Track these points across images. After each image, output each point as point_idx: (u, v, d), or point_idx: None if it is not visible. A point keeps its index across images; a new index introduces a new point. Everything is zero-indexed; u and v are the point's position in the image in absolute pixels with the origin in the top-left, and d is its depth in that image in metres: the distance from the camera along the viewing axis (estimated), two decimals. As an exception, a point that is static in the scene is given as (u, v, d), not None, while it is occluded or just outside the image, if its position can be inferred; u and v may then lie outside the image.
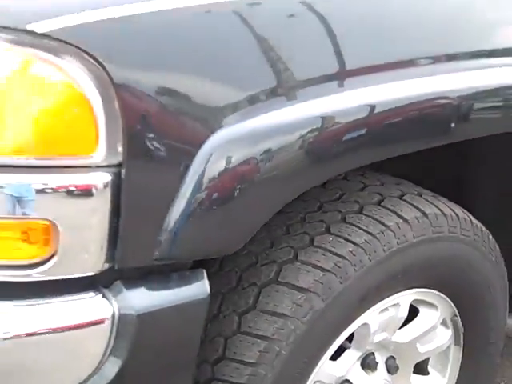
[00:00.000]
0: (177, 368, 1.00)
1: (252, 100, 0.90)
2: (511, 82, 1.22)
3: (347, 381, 1.26)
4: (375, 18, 1.06)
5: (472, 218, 1.31)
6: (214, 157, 0.88)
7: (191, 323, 0.96)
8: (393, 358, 1.35)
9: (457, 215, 1.27)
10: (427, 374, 1.45)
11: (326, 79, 0.98)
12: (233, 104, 0.89)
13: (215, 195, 0.90)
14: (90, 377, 0.90)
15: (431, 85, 1.10)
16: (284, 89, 0.94)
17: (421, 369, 1.43)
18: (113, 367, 0.90)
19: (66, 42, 0.78)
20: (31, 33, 0.78)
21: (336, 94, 0.99)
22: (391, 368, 1.34)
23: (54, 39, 0.78)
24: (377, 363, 1.31)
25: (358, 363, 1.29)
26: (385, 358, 1.34)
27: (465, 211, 1.30)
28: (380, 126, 1.04)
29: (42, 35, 0.78)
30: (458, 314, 1.38)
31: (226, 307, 1.09)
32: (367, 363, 1.30)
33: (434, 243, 1.24)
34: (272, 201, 0.99)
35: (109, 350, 0.89)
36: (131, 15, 0.83)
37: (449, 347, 1.42)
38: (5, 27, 0.78)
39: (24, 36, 0.78)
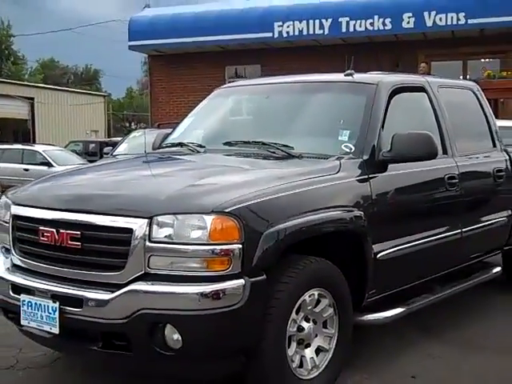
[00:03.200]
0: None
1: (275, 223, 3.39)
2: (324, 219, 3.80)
3: (300, 325, 3.64)
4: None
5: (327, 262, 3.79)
6: (264, 237, 3.31)
7: (262, 287, 3.31)
8: (314, 319, 3.73)
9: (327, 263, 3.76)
10: (328, 328, 3.83)
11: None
12: (270, 224, 3.37)
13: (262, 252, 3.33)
14: (238, 303, 3.23)
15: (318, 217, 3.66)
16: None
17: (325, 326, 3.81)
18: (246, 299, 3.22)
19: (235, 215, 3.22)
20: (228, 213, 3.23)
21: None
22: (315, 323, 3.71)
23: (229, 213, 3.23)
24: (309, 319, 3.67)
25: (304, 318, 3.64)
26: (312, 318, 3.69)
27: (327, 261, 3.78)
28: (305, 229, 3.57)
29: (226, 212, 3.23)
30: (334, 300, 3.79)
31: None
32: (306, 318, 3.65)
33: (324, 270, 3.72)
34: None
35: (244, 293, 3.21)
36: (257, 202, 3.34)
37: (333, 315, 3.80)
38: (213, 211, 3.23)
39: (225, 214, 3.25)
